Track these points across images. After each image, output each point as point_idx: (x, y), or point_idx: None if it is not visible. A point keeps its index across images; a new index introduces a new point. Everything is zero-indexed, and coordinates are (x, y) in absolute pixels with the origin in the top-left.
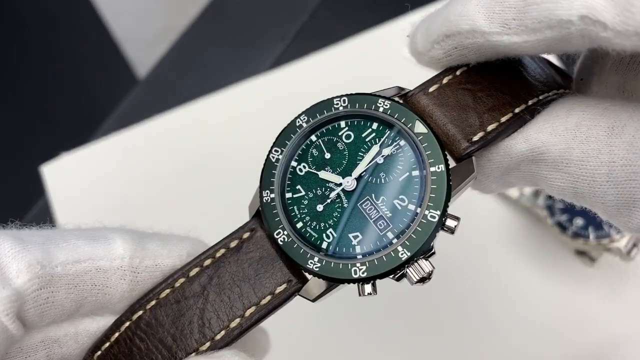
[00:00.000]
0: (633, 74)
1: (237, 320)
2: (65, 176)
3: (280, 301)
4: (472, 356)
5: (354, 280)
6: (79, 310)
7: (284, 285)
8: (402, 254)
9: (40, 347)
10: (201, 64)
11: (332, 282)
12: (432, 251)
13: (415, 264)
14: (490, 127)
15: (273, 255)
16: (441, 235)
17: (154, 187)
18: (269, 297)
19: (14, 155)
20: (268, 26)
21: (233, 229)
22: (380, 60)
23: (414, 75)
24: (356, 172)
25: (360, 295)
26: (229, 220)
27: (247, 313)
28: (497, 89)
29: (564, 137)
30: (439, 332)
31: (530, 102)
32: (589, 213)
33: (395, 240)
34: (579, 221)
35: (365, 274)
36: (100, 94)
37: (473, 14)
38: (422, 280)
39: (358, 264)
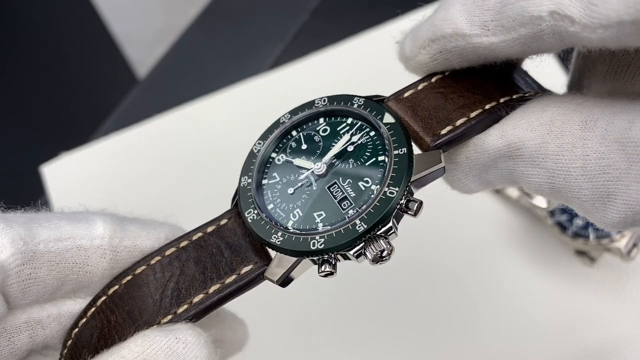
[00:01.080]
0: (622, 82)
1: (201, 296)
2: (65, 176)
3: (246, 282)
4: (472, 356)
5: (311, 252)
6: (60, 288)
7: (250, 266)
8: (359, 227)
9: (23, 328)
10: (201, 64)
11: (292, 256)
12: (392, 231)
13: (374, 241)
14: (458, 122)
15: (244, 239)
16: (442, 235)
17: (154, 187)
18: (234, 277)
19: (14, 155)
20: (268, 26)
21: None
22: (380, 60)
23: (412, 75)
24: (326, 158)
25: (319, 273)
26: None
27: (211, 290)
28: (470, 90)
29: (539, 132)
30: (438, 332)
31: (502, 100)
32: None
33: (355, 216)
34: (579, 221)
35: (323, 245)
36: (100, 94)
37: (455, 18)
38: (379, 259)
39: (317, 237)
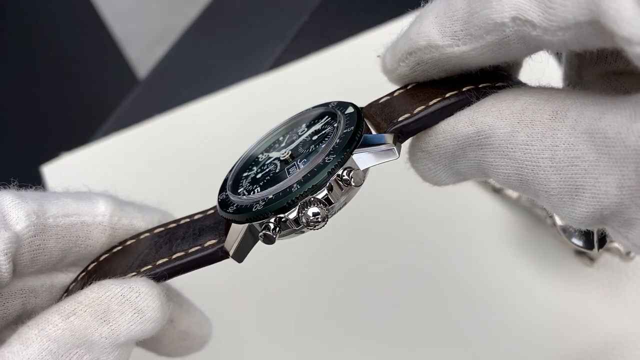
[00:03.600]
0: (611, 64)
1: (165, 259)
2: (65, 176)
3: (206, 253)
4: (471, 356)
5: (252, 215)
6: (63, 259)
7: (214, 241)
8: (294, 189)
9: (18, 295)
10: (201, 64)
11: (239, 222)
12: (332, 203)
13: (309, 205)
14: (416, 110)
15: (222, 223)
16: (442, 235)
17: (154, 187)
18: (197, 248)
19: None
20: (268, 26)
21: None
22: (380, 60)
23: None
24: (292, 146)
25: (259, 236)
26: None
27: (174, 256)
28: (439, 87)
29: (509, 121)
30: (438, 332)
31: (464, 89)
32: None
33: (294, 181)
34: None
35: (262, 207)
36: (100, 94)
37: (428, 30)
38: (313, 222)
39: (260, 201)
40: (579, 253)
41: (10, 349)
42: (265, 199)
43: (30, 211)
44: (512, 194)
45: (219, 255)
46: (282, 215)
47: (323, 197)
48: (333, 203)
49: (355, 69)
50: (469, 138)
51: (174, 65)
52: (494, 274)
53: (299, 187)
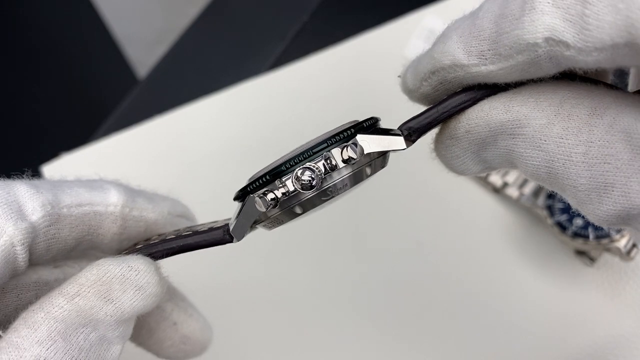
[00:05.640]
0: None
1: (172, 236)
2: (65, 176)
3: (208, 229)
4: (470, 356)
5: (251, 181)
6: (76, 248)
7: (223, 223)
8: (291, 155)
9: (32, 287)
10: (201, 64)
11: (238, 200)
12: (329, 171)
13: (306, 170)
14: (427, 108)
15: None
16: (441, 235)
17: (153, 187)
18: (209, 225)
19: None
20: (268, 26)
21: None
22: (380, 60)
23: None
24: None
25: (255, 204)
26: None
27: (183, 233)
28: None
29: (546, 113)
30: (437, 332)
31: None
32: None
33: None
34: (578, 221)
35: (260, 174)
36: (100, 94)
37: (453, 50)
38: (306, 186)
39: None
40: (579, 253)
41: (18, 333)
42: (265, 169)
43: (45, 201)
44: (512, 193)
45: (222, 235)
46: (277, 183)
47: (321, 164)
48: (330, 172)
49: (355, 69)
50: (502, 125)
51: (174, 65)
52: (493, 273)
53: (296, 154)
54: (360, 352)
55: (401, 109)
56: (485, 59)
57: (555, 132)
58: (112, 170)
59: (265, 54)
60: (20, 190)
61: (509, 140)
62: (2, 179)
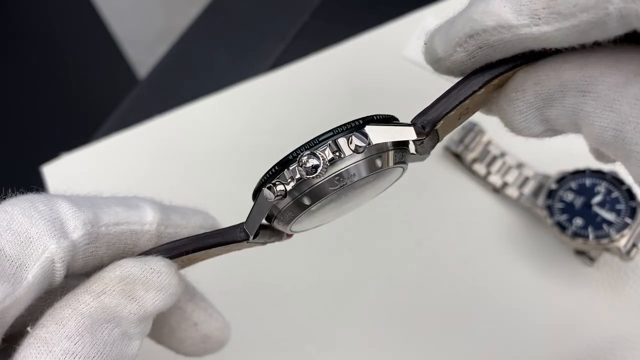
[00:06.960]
0: None
1: (194, 237)
2: (65, 176)
3: (226, 228)
4: (470, 356)
5: (263, 177)
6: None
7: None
8: (299, 146)
9: (59, 293)
10: (201, 64)
11: (254, 198)
12: (336, 160)
13: (311, 158)
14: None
15: None
16: (441, 235)
17: (154, 188)
18: (220, 229)
19: (14, 155)
20: (268, 26)
21: None
22: (380, 60)
23: (412, 75)
24: None
25: (265, 194)
26: (228, 220)
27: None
28: None
29: (624, 72)
30: (437, 332)
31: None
32: (589, 213)
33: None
34: (578, 221)
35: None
36: (100, 94)
37: (498, 9)
38: (310, 171)
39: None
40: (578, 253)
41: (46, 329)
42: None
43: (86, 220)
44: (512, 193)
45: (237, 232)
46: (286, 173)
47: (327, 151)
48: (337, 160)
49: (355, 69)
50: (575, 80)
51: (174, 65)
52: (493, 273)
53: (304, 143)
54: (361, 352)
55: (401, 109)
56: (539, 18)
57: (632, 92)
58: (112, 170)
59: (265, 54)
60: (63, 207)
61: (579, 98)
62: (43, 193)
